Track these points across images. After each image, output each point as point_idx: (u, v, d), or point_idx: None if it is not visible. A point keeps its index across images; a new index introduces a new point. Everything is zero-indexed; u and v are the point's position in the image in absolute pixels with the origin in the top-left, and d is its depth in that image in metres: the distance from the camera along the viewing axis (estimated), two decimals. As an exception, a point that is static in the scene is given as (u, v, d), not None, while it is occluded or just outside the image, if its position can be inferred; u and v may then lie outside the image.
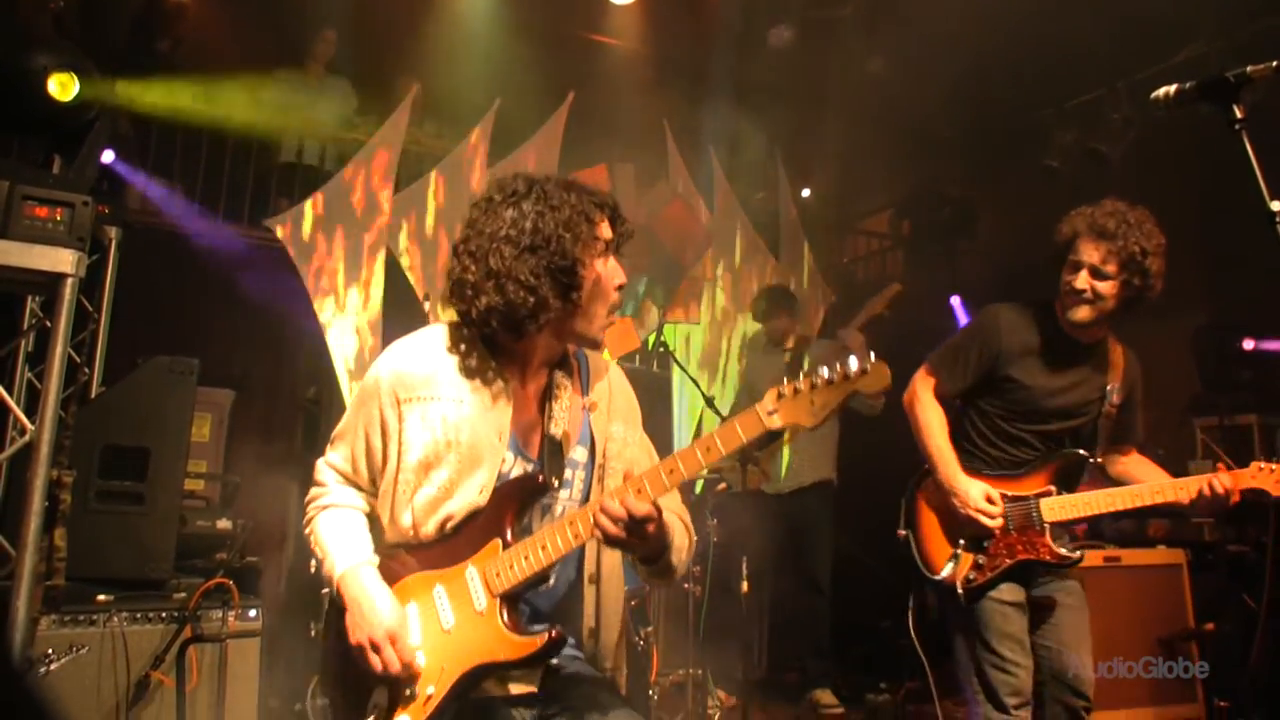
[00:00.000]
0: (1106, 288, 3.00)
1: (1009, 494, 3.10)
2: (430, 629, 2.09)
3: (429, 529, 2.13)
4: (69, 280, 3.33)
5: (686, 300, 7.40)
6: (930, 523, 3.21)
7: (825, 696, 5.60)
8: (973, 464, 3.19)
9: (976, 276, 7.70)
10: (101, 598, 3.52)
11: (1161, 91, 2.09)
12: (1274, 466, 2.90)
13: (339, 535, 2.17)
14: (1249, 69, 1.96)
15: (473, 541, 2.10)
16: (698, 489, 6.05)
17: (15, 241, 3.25)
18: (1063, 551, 3.04)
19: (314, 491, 2.26)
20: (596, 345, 2.24)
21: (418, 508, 2.12)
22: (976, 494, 3.06)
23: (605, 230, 2.15)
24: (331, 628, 2.18)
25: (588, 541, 2.08)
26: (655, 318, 7.15)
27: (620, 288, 2.18)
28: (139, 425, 3.87)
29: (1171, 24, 5.96)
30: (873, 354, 1.95)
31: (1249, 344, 6.03)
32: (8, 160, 4.68)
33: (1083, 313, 3.05)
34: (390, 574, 2.13)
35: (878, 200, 9.10)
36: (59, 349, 3.32)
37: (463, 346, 2.18)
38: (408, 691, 2.04)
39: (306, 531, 2.25)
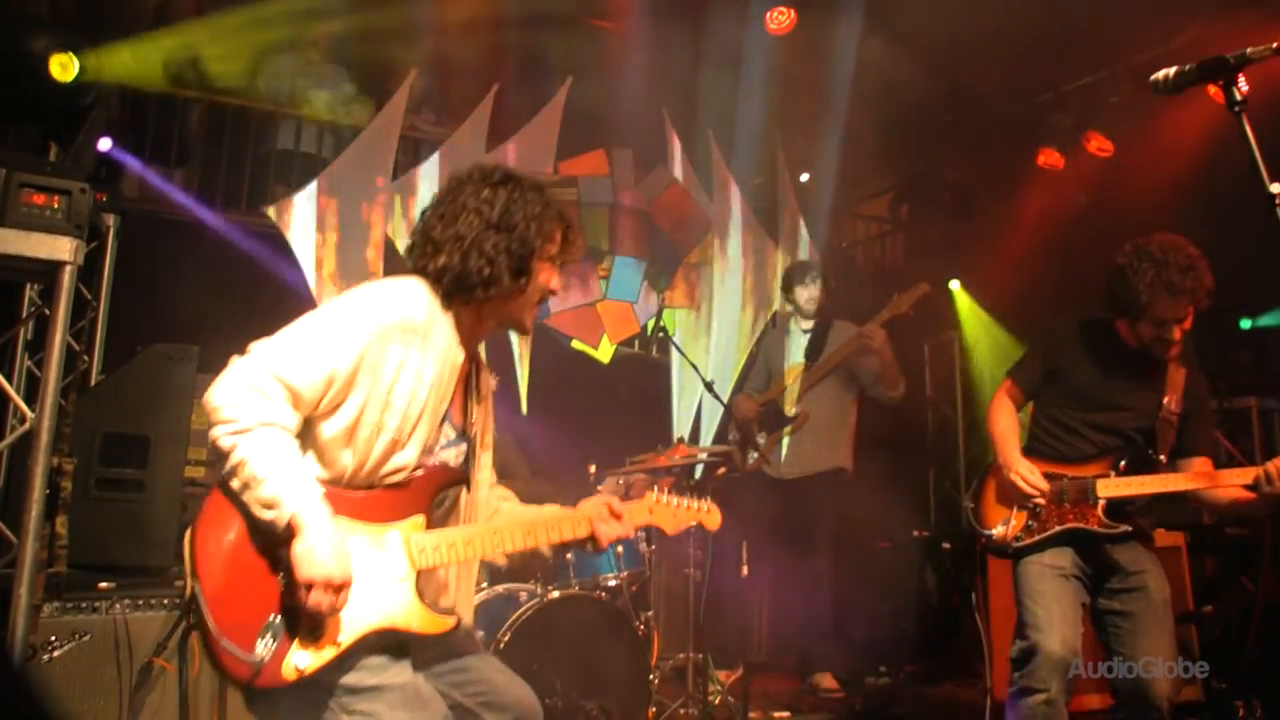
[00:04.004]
0: (1185, 325, 3.21)
1: (1069, 475, 3.35)
2: None
3: (366, 476, 2.16)
4: (67, 268, 3.33)
5: (686, 285, 7.39)
6: (992, 495, 3.53)
7: (825, 680, 5.62)
8: (1040, 456, 3.44)
9: (976, 261, 7.66)
10: (103, 585, 3.52)
11: (1161, 74, 2.08)
12: None
13: (291, 461, 2.02)
14: (1248, 50, 1.95)
15: (396, 506, 2.19)
16: (697, 473, 6.05)
17: (13, 229, 3.26)
18: (1109, 520, 3.26)
19: (251, 399, 2.00)
20: (525, 331, 2.46)
21: (376, 453, 2.15)
22: (1022, 466, 3.38)
23: (557, 241, 2.35)
24: (246, 533, 2.03)
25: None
26: (654, 302, 7.13)
27: (552, 293, 2.40)
28: (139, 413, 3.88)
29: (1170, 6, 5.93)
30: (708, 501, 2.62)
31: (1246, 323, 6.03)
32: (4, 148, 4.67)
33: (1174, 351, 3.26)
34: None
35: (877, 184, 9.07)
36: (58, 336, 3.33)
37: (439, 306, 2.26)
38: (315, 631, 2.01)
39: (234, 443, 1.97)
